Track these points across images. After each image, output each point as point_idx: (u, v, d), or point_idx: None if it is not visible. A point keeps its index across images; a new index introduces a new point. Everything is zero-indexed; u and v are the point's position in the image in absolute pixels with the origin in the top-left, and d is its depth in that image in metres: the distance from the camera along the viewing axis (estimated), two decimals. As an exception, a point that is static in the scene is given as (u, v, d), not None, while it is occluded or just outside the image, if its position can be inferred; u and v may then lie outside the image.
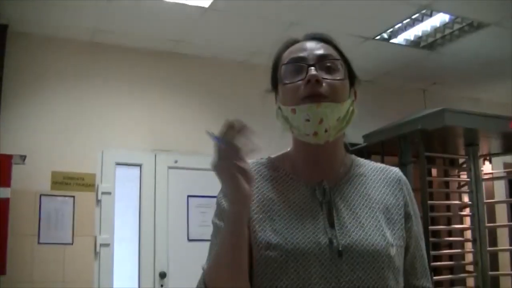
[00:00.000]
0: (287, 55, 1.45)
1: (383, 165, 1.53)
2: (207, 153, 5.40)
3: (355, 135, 5.75)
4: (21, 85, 4.54)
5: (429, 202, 4.60)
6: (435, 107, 4.87)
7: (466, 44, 4.94)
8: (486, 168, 5.57)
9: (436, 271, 4.87)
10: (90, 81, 4.79)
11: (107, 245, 4.63)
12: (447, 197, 5.40)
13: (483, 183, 5.05)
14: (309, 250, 1.28)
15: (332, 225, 1.32)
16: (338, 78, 1.37)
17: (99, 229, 4.63)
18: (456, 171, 5.65)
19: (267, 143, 5.16)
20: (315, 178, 1.40)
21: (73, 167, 4.60)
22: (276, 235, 1.32)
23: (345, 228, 1.32)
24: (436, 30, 4.70)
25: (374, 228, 1.33)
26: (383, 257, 1.29)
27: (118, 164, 4.82)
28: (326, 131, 1.36)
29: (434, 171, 5.90)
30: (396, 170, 1.52)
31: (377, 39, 4.84)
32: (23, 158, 4.24)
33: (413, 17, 4.47)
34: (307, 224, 1.33)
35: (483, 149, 5.22)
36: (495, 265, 5.27)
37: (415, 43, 4.96)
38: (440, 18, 4.52)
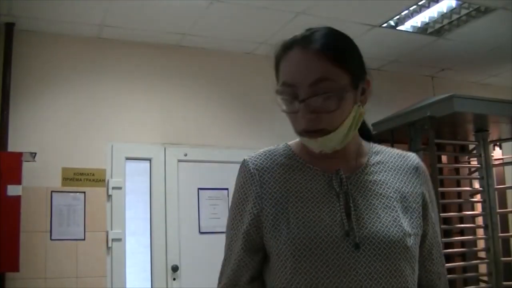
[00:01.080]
0: (282, 71, 1.38)
1: (400, 152, 1.51)
2: (217, 146, 5.40)
3: (364, 123, 5.76)
4: (29, 82, 4.55)
5: (440, 189, 4.59)
6: (443, 93, 4.84)
7: (473, 29, 4.91)
8: (497, 153, 5.54)
9: (448, 258, 4.86)
10: (98, 76, 4.80)
11: (119, 239, 4.65)
12: (458, 184, 5.38)
13: (494, 169, 5.03)
14: (326, 243, 1.28)
15: (349, 216, 1.31)
16: (333, 109, 1.29)
17: (111, 224, 4.65)
18: (466, 157, 5.63)
19: (275, 132, 5.20)
20: (332, 167, 1.38)
21: (83, 163, 4.62)
22: (293, 229, 1.31)
23: (361, 219, 1.32)
24: (443, 16, 4.67)
25: (391, 219, 1.33)
26: (399, 248, 1.30)
27: (128, 158, 4.83)
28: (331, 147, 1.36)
29: (444, 158, 5.87)
30: (413, 156, 1.50)
31: (384, 27, 4.82)
32: (33, 155, 4.26)
33: (420, 3, 4.44)
34: (324, 216, 1.32)
35: (493, 134, 5.20)
36: (507, 251, 5.25)
37: (422, 29, 4.93)
38: (446, 4, 4.48)
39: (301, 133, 1.34)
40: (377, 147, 1.50)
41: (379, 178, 1.40)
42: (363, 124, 1.50)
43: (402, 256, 1.30)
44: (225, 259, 1.44)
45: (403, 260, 1.30)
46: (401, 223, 1.33)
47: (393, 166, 1.45)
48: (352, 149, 1.42)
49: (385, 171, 1.43)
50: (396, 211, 1.35)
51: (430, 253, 1.44)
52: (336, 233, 1.29)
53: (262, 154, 1.48)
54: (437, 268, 1.47)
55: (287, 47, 1.38)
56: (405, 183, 1.41)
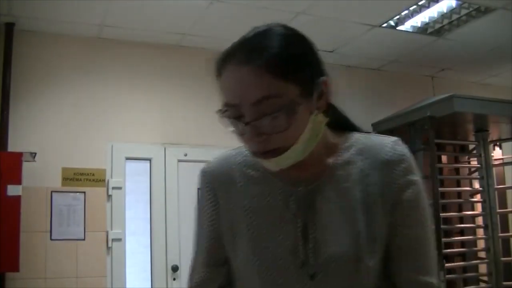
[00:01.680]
0: (222, 88, 1.21)
1: (376, 141, 1.31)
2: (217, 146, 5.41)
3: (364, 123, 5.75)
4: (29, 83, 4.55)
5: (440, 189, 4.60)
6: (443, 93, 4.85)
7: (473, 29, 4.91)
8: (496, 153, 5.54)
9: (448, 258, 4.87)
10: (98, 76, 4.80)
11: (119, 239, 4.64)
12: (458, 184, 5.39)
13: (494, 169, 5.03)
14: (280, 271, 1.23)
15: (306, 240, 1.23)
16: (283, 128, 1.14)
17: (111, 224, 4.65)
18: (466, 157, 5.64)
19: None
20: (294, 175, 1.25)
21: (83, 163, 4.62)
22: (246, 252, 1.27)
23: (319, 243, 1.22)
24: (443, 16, 4.67)
25: (351, 239, 1.22)
26: (359, 270, 1.21)
27: (128, 158, 4.83)
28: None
29: (444, 158, 5.87)
30: (388, 147, 1.28)
31: (384, 27, 4.82)
32: (33, 155, 4.26)
33: (420, 3, 4.44)
34: (280, 239, 1.25)
35: (493, 134, 5.20)
36: (507, 251, 5.26)
37: (422, 29, 4.93)
38: (446, 4, 4.48)
39: (252, 153, 1.22)
40: (350, 140, 1.32)
41: (344, 185, 1.25)
42: (339, 114, 1.36)
43: (362, 275, 1.21)
44: (191, 269, 1.39)
45: (363, 278, 1.21)
46: (363, 241, 1.21)
47: (363, 164, 1.27)
48: (318, 152, 1.25)
49: (353, 174, 1.26)
50: (359, 225, 1.22)
51: (399, 259, 1.26)
52: (291, 261, 1.23)
53: (219, 162, 1.40)
54: (410, 275, 1.25)
55: (225, 59, 1.20)
56: (374, 184, 1.25)
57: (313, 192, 1.26)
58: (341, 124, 1.36)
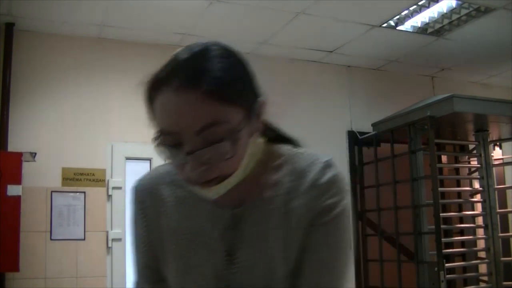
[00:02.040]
0: (158, 115, 1.11)
1: (307, 163, 1.24)
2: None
3: (364, 123, 5.81)
4: (29, 83, 4.55)
5: (440, 189, 4.61)
6: (443, 93, 4.86)
7: (473, 29, 4.91)
8: (497, 153, 5.55)
9: (448, 258, 4.88)
10: (98, 76, 4.80)
11: (119, 239, 4.64)
12: (458, 184, 5.40)
13: (494, 169, 5.04)
14: None
15: (230, 263, 1.21)
16: (229, 156, 1.08)
17: (111, 224, 4.65)
18: (466, 157, 5.65)
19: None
20: (222, 198, 1.18)
21: (83, 163, 4.61)
22: (172, 276, 1.26)
23: (242, 269, 1.21)
24: (443, 16, 4.66)
25: (270, 263, 1.20)
26: None
27: (128, 158, 4.83)
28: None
29: (444, 158, 5.89)
30: (316, 171, 1.22)
31: (384, 27, 4.82)
32: (33, 155, 4.26)
33: (420, 3, 4.44)
34: (204, 263, 1.23)
35: (493, 134, 5.21)
36: (507, 251, 5.26)
37: (422, 29, 4.93)
38: (447, 4, 4.48)
39: (189, 183, 1.14)
40: (282, 157, 1.26)
41: (270, 207, 1.21)
42: (272, 130, 1.31)
43: None
44: (135, 282, 1.38)
45: None
46: (280, 266, 1.19)
47: (291, 186, 1.22)
48: (250, 173, 1.20)
49: (280, 195, 1.22)
50: (280, 250, 1.20)
51: (302, 280, 1.21)
52: (214, 286, 1.22)
53: (150, 180, 1.35)
54: None
55: (159, 84, 1.11)
56: (298, 207, 1.20)
57: (240, 215, 1.22)
58: (275, 140, 1.31)
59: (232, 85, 1.09)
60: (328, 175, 1.21)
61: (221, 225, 1.23)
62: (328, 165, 1.23)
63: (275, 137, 1.31)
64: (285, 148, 1.29)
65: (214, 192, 1.13)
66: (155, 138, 1.12)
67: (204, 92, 1.04)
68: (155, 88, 1.12)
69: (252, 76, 1.20)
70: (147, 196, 1.33)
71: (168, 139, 1.10)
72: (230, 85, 1.08)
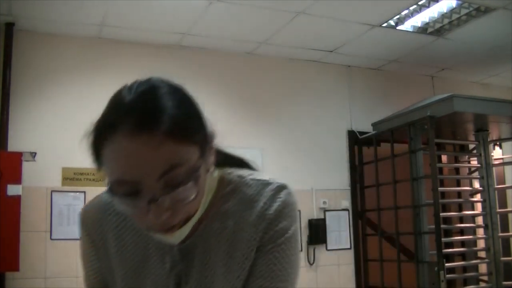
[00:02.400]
0: (110, 164, 1.03)
1: (256, 191, 1.21)
2: (217, 145, 5.37)
3: (364, 123, 5.81)
4: (29, 82, 4.55)
5: (440, 188, 4.61)
6: (443, 93, 4.86)
7: (473, 29, 4.91)
8: (497, 153, 5.56)
9: (448, 257, 4.88)
10: (97, 76, 4.80)
11: (119, 239, 4.64)
12: (458, 184, 5.40)
13: (494, 169, 5.04)
14: None
15: None
16: (193, 197, 1.04)
17: (111, 223, 4.64)
18: (466, 157, 5.65)
19: (276, 131, 5.20)
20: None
21: (83, 163, 4.57)
22: None
23: None
24: (443, 15, 4.66)
25: None
26: None
27: (127, 158, 4.82)
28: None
29: (444, 158, 5.89)
30: (265, 200, 1.19)
31: (384, 26, 4.82)
32: (33, 155, 4.26)
33: (420, 3, 4.44)
34: None
35: (493, 134, 5.21)
36: (507, 251, 5.27)
37: (422, 29, 4.93)
38: (447, 4, 4.48)
39: (150, 230, 1.08)
40: (230, 186, 1.23)
41: (218, 239, 1.19)
42: (220, 154, 1.24)
43: None
44: None
45: None
46: None
47: (239, 216, 1.19)
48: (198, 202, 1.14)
49: (228, 227, 1.19)
50: (225, 283, 1.18)
51: None
52: None
53: (96, 208, 1.31)
54: None
55: (108, 129, 1.02)
56: (247, 239, 1.18)
57: (188, 248, 1.19)
58: (224, 164, 1.27)
59: (187, 122, 1.04)
60: (277, 203, 1.19)
61: (169, 258, 1.20)
62: (278, 190, 1.21)
63: (224, 161, 1.25)
64: (234, 175, 1.25)
65: (177, 236, 1.09)
66: (111, 190, 1.03)
67: (160, 134, 0.97)
68: (103, 136, 1.03)
69: (200, 108, 1.15)
70: (94, 225, 1.28)
71: (124, 188, 1.01)
72: (185, 123, 1.03)
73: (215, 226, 1.19)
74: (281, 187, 1.22)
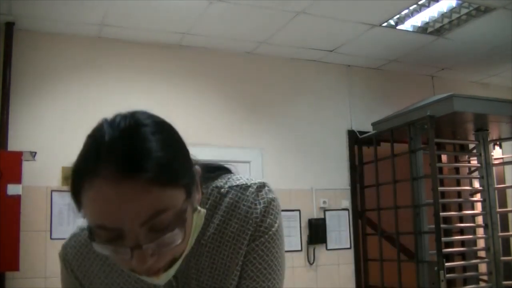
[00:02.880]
0: (91, 208, 0.96)
1: (239, 197, 1.22)
2: (217, 145, 5.38)
3: (364, 123, 5.80)
4: (29, 82, 4.55)
5: (440, 188, 4.61)
6: (443, 93, 4.86)
7: (473, 29, 4.91)
8: (496, 153, 5.56)
9: (448, 257, 4.88)
10: (98, 76, 4.80)
11: (119, 239, 4.64)
12: (458, 183, 5.40)
13: (494, 168, 5.04)
14: None
15: None
16: (179, 241, 0.99)
17: (111, 223, 4.64)
18: (466, 156, 5.65)
19: (276, 131, 5.20)
20: None
21: (83, 162, 4.60)
22: None
23: None
24: (443, 15, 4.66)
25: None
26: None
27: (127, 158, 4.82)
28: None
29: (444, 157, 5.89)
30: (249, 204, 1.21)
31: (384, 26, 4.82)
32: (33, 154, 4.26)
33: (420, 2, 4.44)
34: None
35: (493, 134, 5.21)
36: (507, 250, 5.27)
37: (422, 29, 4.93)
38: (447, 3, 4.48)
39: (135, 273, 1.03)
40: (212, 198, 1.23)
41: (202, 253, 1.19)
42: (205, 170, 1.21)
43: None
44: None
45: None
46: None
47: (225, 227, 1.20)
48: None
49: (216, 240, 1.19)
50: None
51: None
52: None
53: (80, 244, 1.27)
54: None
55: (91, 171, 0.95)
56: (233, 248, 1.20)
57: (178, 273, 1.17)
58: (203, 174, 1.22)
59: (173, 166, 0.98)
60: (260, 204, 1.21)
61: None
62: (258, 190, 1.23)
63: (202, 172, 1.20)
64: (213, 186, 1.24)
65: (164, 278, 1.05)
66: (90, 236, 0.98)
67: (145, 180, 0.92)
68: (83, 178, 0.95)
69: (185, 145, 1.11)
70: (77, 262, 1.26)
71: (105, 234, 0.95)
72: (170, 166, 0.97)
73: (205, 250, 1.19)
74: (260, 187, 1.23)
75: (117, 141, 0.96)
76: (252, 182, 1.24)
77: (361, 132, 5.58)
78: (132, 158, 0.93)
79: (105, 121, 1.04)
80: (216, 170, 1.30)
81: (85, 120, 4.68)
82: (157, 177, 0.93)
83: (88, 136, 1.05)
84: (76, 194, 0.98)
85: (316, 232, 5.22)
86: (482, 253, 5.08)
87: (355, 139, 5.60)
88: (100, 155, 0.94)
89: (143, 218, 0.93)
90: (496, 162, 5.22)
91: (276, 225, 1.23)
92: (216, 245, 1.19)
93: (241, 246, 1.19)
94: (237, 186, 1.23)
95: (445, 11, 4.60)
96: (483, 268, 5.01)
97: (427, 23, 4.81)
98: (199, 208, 1.07)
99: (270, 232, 1.21)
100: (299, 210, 5.24)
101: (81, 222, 1.25)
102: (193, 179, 1.05)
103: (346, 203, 5.48)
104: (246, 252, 1.19)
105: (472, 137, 5.21)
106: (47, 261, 4.34)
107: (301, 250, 5.19)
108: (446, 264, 4.45)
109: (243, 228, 1.19)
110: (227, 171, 1.32)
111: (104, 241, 0.96)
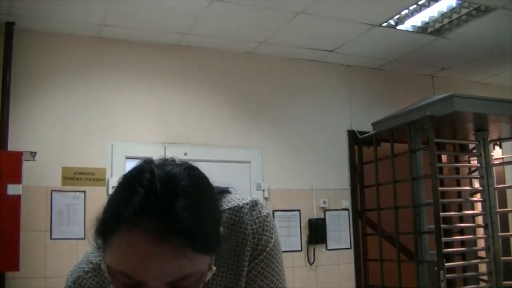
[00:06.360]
0: (117, 253, 0.96)
1: (238, 215, 1.26)
2: (217, 145, 5.39)
3: (364, 123, 5.80)
4: (29, 82, 4.55)
5: (440, 188, 4.61)
6: (443, 93, 4.86)
7: (473, 29, 4.91)
8: (496, 153, 5.55)
9: (448, 257, 4.88)
10: (98, 76, 4.80)
11: (119, 239, 4.63)
12: (458, 183, 5.40)
13: (494, 168, 5.04)
14: None
15: None
16: None
17: (111, 223, 4.64)
18: (466, 156, 5.65)
19: (276, 131, 5.21)
20: None
21: (83, 162, 4.61)
22: None
23: None
24: (443, 15, 4.67)
25: None
26: None
27: (128, 158, 4.82)
28: None
29: (444, 157, 5.89)
30: (246, 221, 1.26)
31: (384, 26, 4.82)
32: (33, 154, 4.26)
33: (420, 2, 4.44)
34: None
35: (493, 134, 5.21)
36: (507, 250, 5.27)
37: (422, 29, 4.93)
38: (447, 3, 4.48)
39: None
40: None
41: (206, 285, 1.14)
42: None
43: None
44: None
45: None
46: None
47: (226, 251, 1.23)
48: None
49: (216, 264, 1.16)
50: None
51: None
52: None
53: (90, 273, 1.30)
54: None
55: (128, 219, 0.94)
56: (235, 270, 1.25)
57: None
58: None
59: (210, 233, 1.00)
60: (256, 224, 1.26)
61: None
62: (251, 210, 1.27)
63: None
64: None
65: None
66: (112, 278, 0.98)
67: (184, 243, 0.93)
68: (121, 223, 0.94)
69: (217, 207, 1.13)
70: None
71: (125, 280, 0.96)
72: (209, 234, 0.99)
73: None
74: (253, 206, 1.28)
75: (164, 197, 0.95)
76: (244, 202, 1.27)
77: (361, 132, 5.58)
78: (176, 219, 0.93)
79: (152, 168, 1.02)
80: (218, 195, 1.28)
81: (85, 120, 4.69)
82: (195, 243, 0.95)
83: (131, 177, 1.02)
84: (106, 234, 0.98)
85: (316, 232, 5.23)
86: (482, 253, 5.08)
87: (355, 139, 5.60)
88: (145, 207, 0.94)
89: (171, 279, 0.95)
90: (496, 162, 5.22)
91: (273, 240, 1.28)
92: (217, 270, 1.17)
93: (243, 268, 1.24)
94: (230, 208, 1.26)
95: (445, 11, 4.60)
96: (483, 268, 5.01)
97: (427, 23, 4.82)
98: (213, 267, 1.06)
99: (268, 249, 1.27)
100: (299, 210, 5.24)
101: (90, 253, 1.34)
102: (220, 244, 1.07)
103: (346, 203, 5.48)
104: (247, 271, 1.25)
105: (472, 137, 5.21)
106: (47, 261, 4.34)
107: (301, 250, 5.19)
108: (446, 264, 4.45)
109: (242, 250, 1.24)
110: (226, 192, 1.33)
111: (121, 284, 0.97)
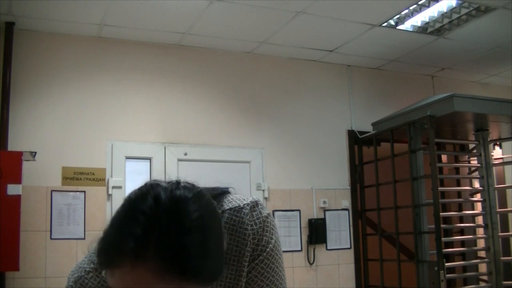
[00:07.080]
0: (119, 283, 0.95)
1: (238, 216, 1.27)
2: (217, 145, 5.39)
3: (364, 123, 5.80)
4: (29, 82, 4.55)
5: (440, 188, 4.61)
6: (443, 92, 4.86)
7: (473, 29, 4.91)
8: (497, 153, 5.56)
9: (448, 257, 4.88)
10: (98, 76, 4.80)
11: (119, 239, 4.63)
12: (458, 183, 5.40)
13: (494, 168, 5.04)
14: None
15: None
16: None
17: (111, 223, 4.63)
18: (466, 156, 5.65)
19: (275, 131, 5.21)
20: None
21: (83, 162, 4.62)
22: None
23: None
24: (443, 15, 4.67)
25: None
26: None
27: (127, 158, 4.82)
28: None
29: (444, 157, 5.89)
30: (247, 222, 1.27)
31: (384, 26, 4.82)
32: (33, 154, 4.26)
33: (420, 2, 4.44)
34: None
35: (493, 134, 5.21)
36: (507, 250, 5.27)
37: (423, 29, 4.93)
38: (447, 3, 4.48)
39: None
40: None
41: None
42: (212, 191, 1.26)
43: None
44: None
45: None
46: None
47: (227, 252, 1.23)
48: None
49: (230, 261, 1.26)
50: None
51: None
52: None
53: (92, 273, 1.32)
54: None
55: (137, 255, 0.91)
56: (234, 270, 1.26)
57: None
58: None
59: (214, 267, 1.00)
60: (256, 224, 1.27)
61: None
62: (252, 210, 1.28)
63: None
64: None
65: None
66: None
67: (189, 279, 0.93)
68: (124, 256, 0.93)
69: (222, 234, 1.10)
70: None
71: None
72: (213, 268, 0.99)
73: None
74: (253, 206, 1.29)
75: (170, 232, 0.93)
76: (245, 202, 1.29)
77: (361, 132, 5.58)
78: (183, 257, 0.93)
79: (157, 193, 1.00)
80: (218, 196, 1.31)
81: (85, 120, 4.69)
82: (202, 279, 0.96)
83: (135, 201, 1.00)
84: (108, 266, 0.97)
85: (316, 232, 5.23)
86: (482, 253, 5.08)
87: (355, 139, 5.61)
88: (149, 241, 0.92)
89: None
90: (496, 162, 5.23)
91: (273, 241, 1.29)
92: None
93: (243, 268, 1.26)
94: (230, 209, 1.27)
95: (445, 11, 4.60)
96: (483, 268, 5.01)
97: (427, 23, 4.81)
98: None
99: (268, 249, 1.28)
100: (299, 210, 5.24)
101: (91, 253, 1.34)
102: (224, 269, 1.07)
103: (346, 203, 5.48)
104: (248, 271, 1.27)
105: (472, 137, 5.21)
106: (47, 261, 4.34)
107: (301, 250, 5.19)
108: (446, 264, 4.45)
109: (242, 250, 1.25)
110: (226, 193, 1.34)
111: None
